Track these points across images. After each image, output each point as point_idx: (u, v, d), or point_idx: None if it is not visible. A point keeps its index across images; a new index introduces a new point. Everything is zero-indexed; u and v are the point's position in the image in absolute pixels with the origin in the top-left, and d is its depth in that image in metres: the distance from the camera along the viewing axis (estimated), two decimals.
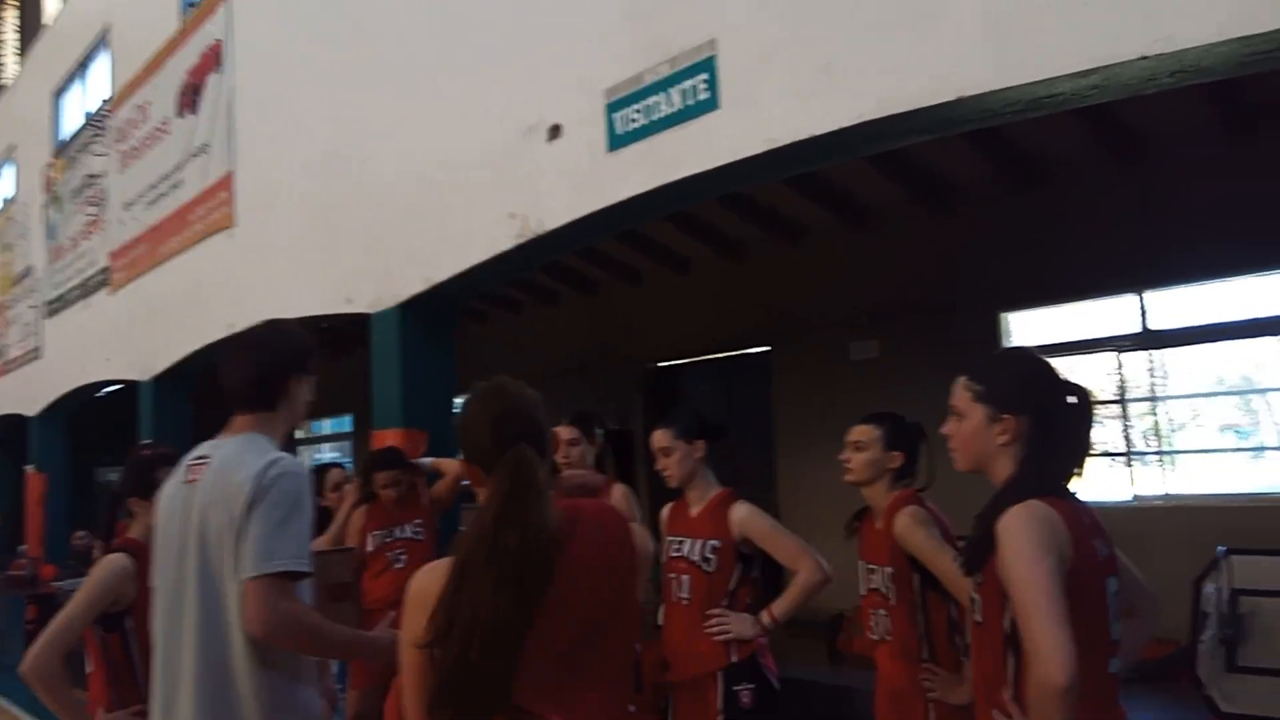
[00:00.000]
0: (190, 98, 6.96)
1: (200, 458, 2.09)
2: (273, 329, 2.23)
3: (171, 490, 2.10)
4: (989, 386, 1.88)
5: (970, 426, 1.89)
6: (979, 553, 1.78)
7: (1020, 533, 1.67)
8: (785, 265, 8.28)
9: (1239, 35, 2.21)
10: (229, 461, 2.02)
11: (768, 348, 8.59)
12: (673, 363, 9.64)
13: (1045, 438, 1.83)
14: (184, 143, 7.04)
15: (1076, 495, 1.85)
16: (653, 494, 8.07)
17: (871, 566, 2.84)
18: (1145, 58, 2.37)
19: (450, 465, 4.32)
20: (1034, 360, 1.95)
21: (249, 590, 1.90)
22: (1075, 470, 1.86)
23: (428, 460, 4.32)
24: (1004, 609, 1.70)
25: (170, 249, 7.25)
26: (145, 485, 2.66)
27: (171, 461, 2.33)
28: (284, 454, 2.05)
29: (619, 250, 8.77)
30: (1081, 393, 1.88)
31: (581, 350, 9.99)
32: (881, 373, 7.27)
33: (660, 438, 3.18)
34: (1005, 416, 1.85)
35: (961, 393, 1.92)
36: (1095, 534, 1.80)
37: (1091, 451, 1.91)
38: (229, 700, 1.94)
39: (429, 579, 1.59)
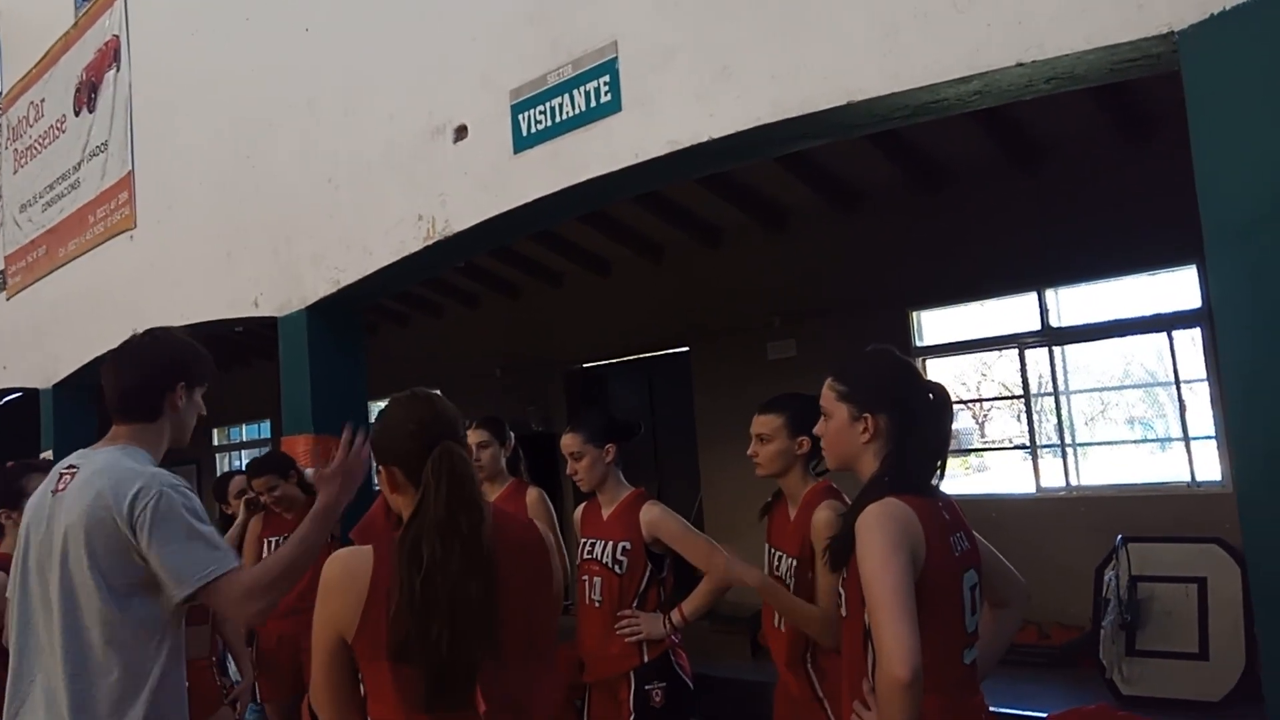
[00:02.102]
0: (87, 95, 6.72)
1: (70, 466, 2.03)
2: (153, 338, 2.17)
3: (38, 499, 2.04)
4: (850, 386, 1.93)
5: (835, 426, 1.94)
6: (842, 549, 1.82)
7: (874, 530, 1.72)
8: (703, 267, 8.35)
9: (1105, 44, 2.31)
10: (97, 475, 1.97)
11: (686, 348, 8.66)
12: (595, 364, 9.64)
13: (905, 435, 1.88)
14: (81, 142, 6.79)
15: (938, 491, 1.90)
16: (576, 496, 8.06)
17: (779, 554, 2.82)
18: (1021, 65, 2.45)
19: None
20: (893, 359, 2.00)
21: (207, 600, 1.94)
22: (936, 466, 1.90)
23: (309, 471, 4.25)
24: (865, 604, 1.75)
25: (70, 252, 7.00)
26: (12, 496, 2.57)
27: (43, 470, 2.26)
28: (155, 470, 2.01)
29: (539, 252, 8.75)
30: (939, 391, 1.94)
31: (504, 353, 9.93)
32: (798, 371, 7.37)
33: (570, 442, 3.17)
34: (866, 415, 1.90)
35: (827, 393, 1.97)
36: (954, 529, 1.85)
37: (951, 448, 1.97)
38: (95, 712, 1.90)
39: (353, 561, 1.59)
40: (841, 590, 1.87)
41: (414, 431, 1.66)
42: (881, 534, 1.71)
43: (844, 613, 1.87)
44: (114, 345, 2.22)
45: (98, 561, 1.90)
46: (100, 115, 6.60)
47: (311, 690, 1.59)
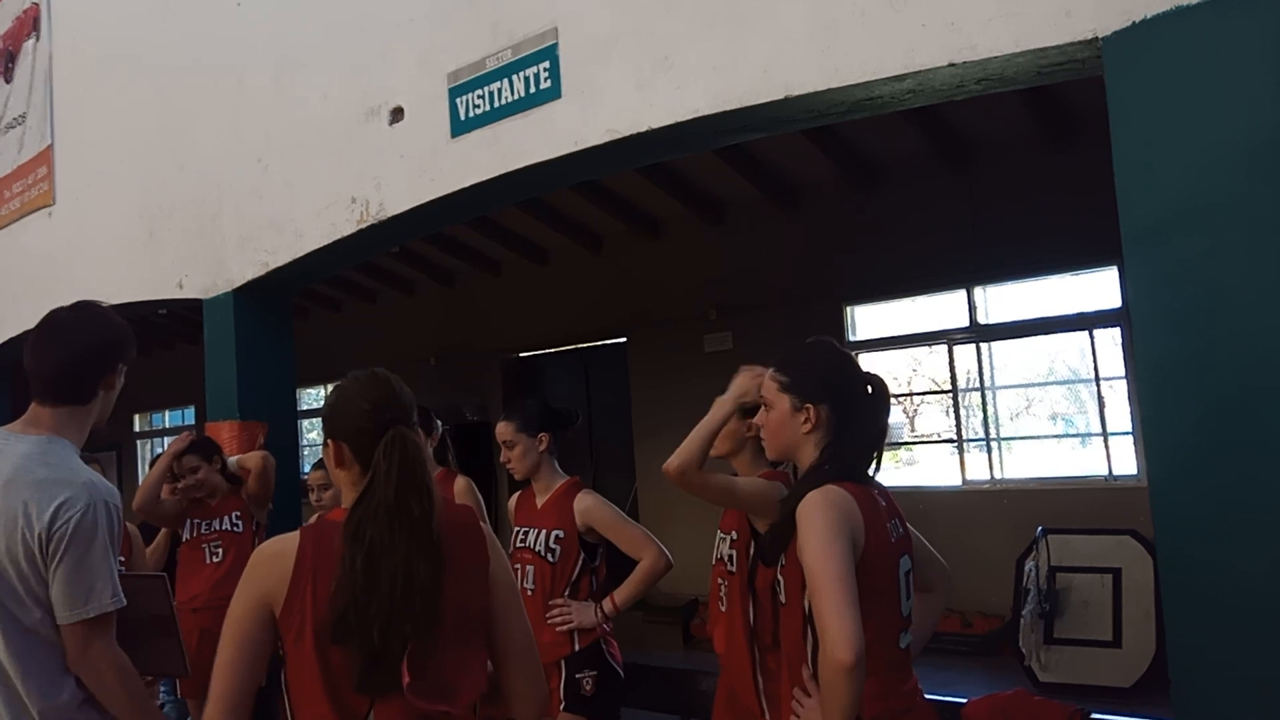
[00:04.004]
0: (4, 65, 6.43)
1: None
2: (88, 313, 2.01)
3: None
4: (792, 378, 1.96)
5: (776, 416, 1.96)
6: (781, 536, 1.85)
7: (815, 516, 1.74)
8: (642, 258, 8.37)
9: (1033, 48, 2.37)
10: (22, 470, 1.84)
11: (624, 339, 8.67)
12: (532, 353, 9.61)
13: (844, 426, 1.91)
14: None
15: (874, 479, 1.94)
16: (511, 485, 8.02)
17: (728, 536, 2.85)
18: (953, 65, 2.50)
19: (251, 459, 4.14)
20: (834, 351, 2.03)
21: (68, 634, 1.82)
22: (873, 456, 1.94)
23: (232, 460, 4.16)
24: (804, 589, 1.77)
25: None
26: None
27: None
28: (90, 477, 1.89)
29: (477, 240, 8.67)
30: (877, 382, 1.97)
31: (440, 341, 9.83)
32: (734, 363, 7.41)
33: (503, 431, 3.16)
34: (808, 406, 1.92)
35: (769, 384, 1.99)
36: (890, 516, 1.89)
37: (887, 438, 2.01)
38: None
39: (278, 543, 1.60)
40: (780, 577, 1.90)
41: (367, 411, 1.65)
42: (823, 520, 1.73)
43: (783, 600, 1.89)
44: (29, 327, 2.04)
45: (16, 565, 1.81)
46: (18, 86, 6.33)
47: (214, 672, 1.54)
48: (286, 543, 1.60)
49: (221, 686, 1.53)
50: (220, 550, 4.02)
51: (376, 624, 1.49)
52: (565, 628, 3.03)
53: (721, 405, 2.42)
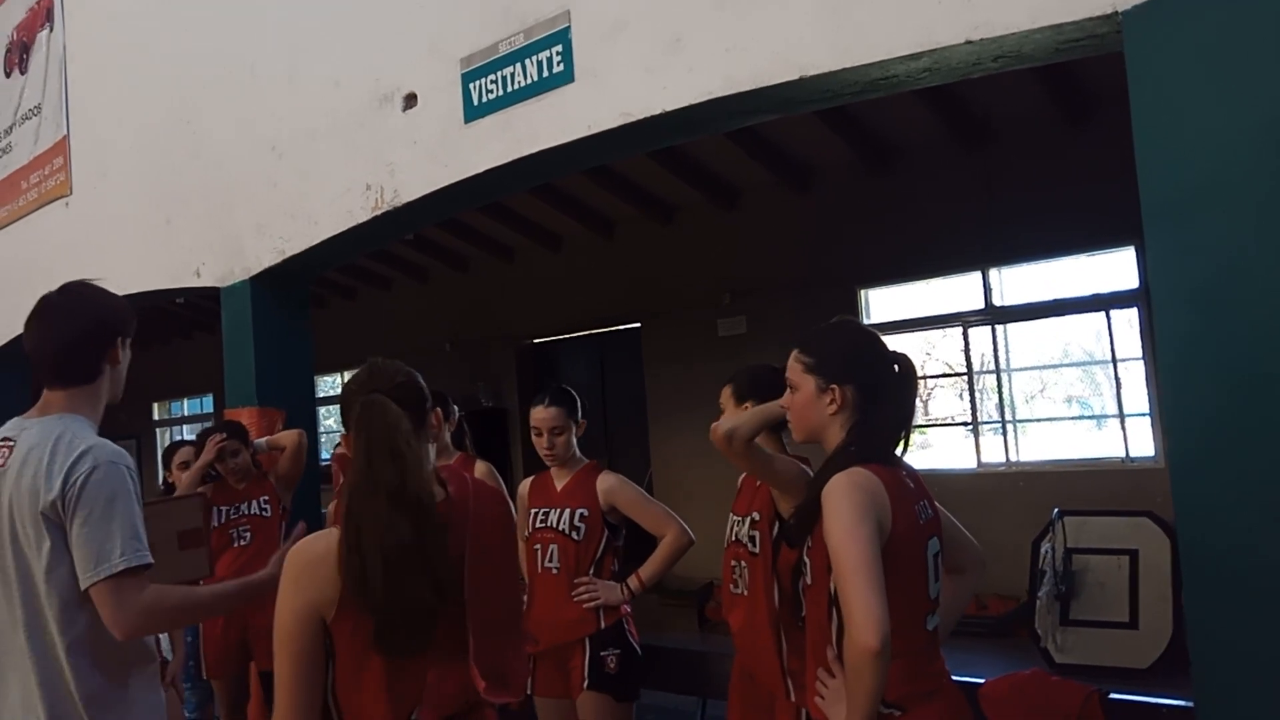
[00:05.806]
0: (18, 56, 6.46)
1: (5, 439, 1.92)
2: (78, 294, 2.02)
3: None
4: (817, 358, 1.93)
5: (802, 398, 1.94)
6: (807, 518, 1.84)
7: (841, 499, 1.73)
8: (655, 243, 8.36)
9: (1051, 23, 2.34)
10: (36, 448, 1.86)
11: (638, 324, 8.67)
12: (546, 339, 9.63)
13: (870, 406, 1.89)
14: (13, 105, 6.53)
15: (902, 460, 1.92)
16: (526, 469, 8.06)
17: (747, 518, 2.85)
18: (970, 42, 2.47)
19: (286, 437, 4.19)
20: (859, 331, 2.02)
21: (96, 596, 1.79)
22: (901, 436, 1.93)
23: (262, 441, 4.19)
24: (830, 571, 1.77)
25: (1, 219, 6.75)
26: None
27: None
28: (96, 442, 1.89)
29: (490, 226, 8.68)
30: (904, 362, 1.95)
31: (454, 327, 9.86)
32: (748, 348, 7.43)
33: (553, 417, 3.18)
34: (833, 386, 1.90)
35: (794, 365, 1.96)
36: (918, 498, 1.88)
37: (915, 418, 1.99)
38: (63, 697, 1.84)
39: (319, 544, 1.58)
40: (807, 559, 1.89)
41: (353, 391, 1.67)
42: (849, 503, 1.71)
43: (809, 580, 1.88)
44: None
45: (44, 541, 1.82)
46: (33, 77, 6.36)
47: (277, 689, 1.54)
48: (329, 545, 1.57)
49: (289, 701, 1.52)
50: (248, 534, 4.06)
51: (378, 590, 1.49)
52: (592, 604, 3.07)
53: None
